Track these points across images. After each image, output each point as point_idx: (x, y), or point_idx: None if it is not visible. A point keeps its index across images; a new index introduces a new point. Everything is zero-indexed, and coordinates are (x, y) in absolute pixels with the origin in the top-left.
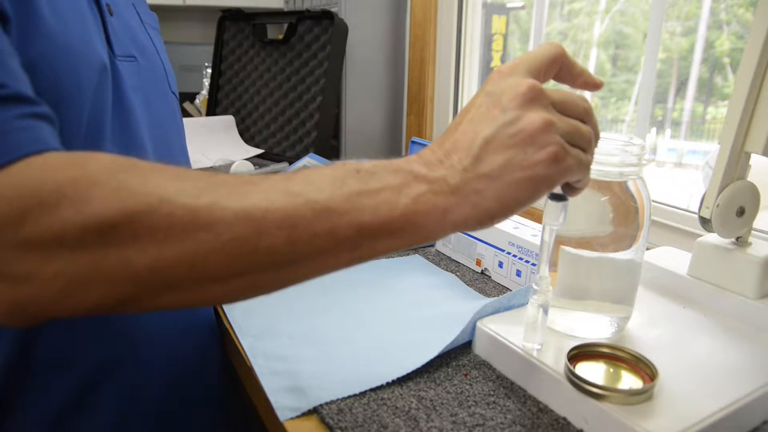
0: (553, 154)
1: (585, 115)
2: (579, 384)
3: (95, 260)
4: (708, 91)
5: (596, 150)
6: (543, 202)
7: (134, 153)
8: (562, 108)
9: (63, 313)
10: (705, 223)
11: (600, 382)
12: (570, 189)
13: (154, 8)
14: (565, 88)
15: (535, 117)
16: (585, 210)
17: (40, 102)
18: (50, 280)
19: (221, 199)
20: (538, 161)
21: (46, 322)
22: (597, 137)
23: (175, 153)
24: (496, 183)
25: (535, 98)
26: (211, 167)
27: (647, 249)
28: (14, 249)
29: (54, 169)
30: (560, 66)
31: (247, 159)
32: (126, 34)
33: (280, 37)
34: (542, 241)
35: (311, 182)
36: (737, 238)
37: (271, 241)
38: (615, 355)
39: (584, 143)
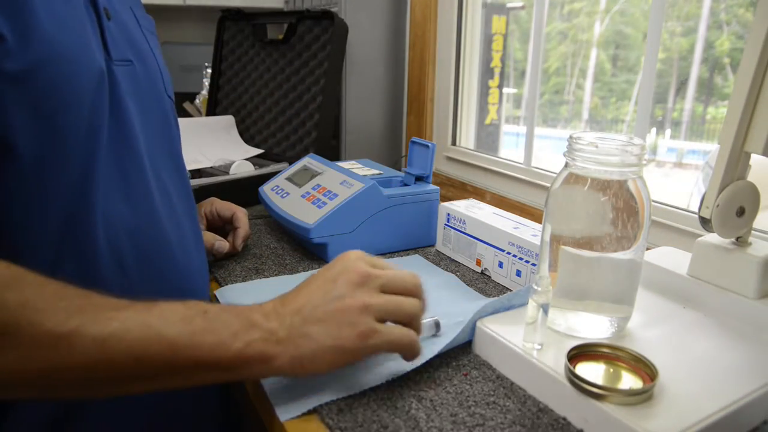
0: (360, 333)
1: (413, 291)
2: (579, 384)
3: None
4: (708, 91)
5: (596, 150)
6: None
7: (129, 157)
8: (390, 287)
9: None
10: (705, 223)
11: (600, 382)
12: (402, 356)
13: (155, 8)
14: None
15: (356, 298)
16: (585, 210)
17: None
18: None
19: (86, 324)
20: (346, 336)
21: None
22: (424, 308)
23: (171, 156)
24: (312, 343)
25: (363, 283)
26: (211, 167)
27: (647, 249)
28: None
29: None
30: None
31: (247, 159)
32: (123, 38)
33: (280, 37)
34: (542, 241)
35: (166, 318)
36: (737, 238)
37: (120, 365)
38: (615, 355)
39: (406, 318)
